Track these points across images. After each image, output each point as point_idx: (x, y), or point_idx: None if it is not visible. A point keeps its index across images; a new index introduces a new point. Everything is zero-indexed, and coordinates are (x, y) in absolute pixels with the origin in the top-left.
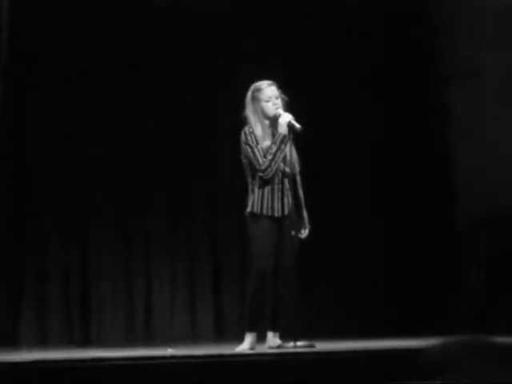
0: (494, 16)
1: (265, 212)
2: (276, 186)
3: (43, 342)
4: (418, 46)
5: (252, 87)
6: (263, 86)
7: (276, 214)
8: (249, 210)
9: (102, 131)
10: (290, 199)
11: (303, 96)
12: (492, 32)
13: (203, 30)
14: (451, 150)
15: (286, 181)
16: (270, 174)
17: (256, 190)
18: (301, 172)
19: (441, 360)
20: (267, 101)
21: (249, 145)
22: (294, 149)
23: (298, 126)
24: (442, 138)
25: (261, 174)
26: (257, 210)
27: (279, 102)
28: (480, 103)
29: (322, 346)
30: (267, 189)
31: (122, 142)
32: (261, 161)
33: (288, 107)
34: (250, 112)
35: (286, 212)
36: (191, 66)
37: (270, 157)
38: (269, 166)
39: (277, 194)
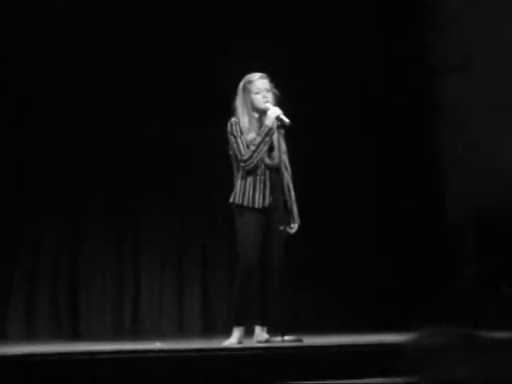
0: (485, 10)
1: (246, 203)
2: (258, 178)
3: (32, 336)
4: (409, 41)
5: (244, 78)
6: (254, 78)
7: (256, 206)
8: (231, 200)
9: (97, 134)
10: (274, 192)
11: (299, 95)
12: (483, 26)
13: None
14: (440, 148)
15: (270, 173)
16: (251, 165)
17: (239, 181)
18: (290, 165)
19: (418, 353)
20: (257, 93)
21: (233, 135)
22: (283, 142)
23: (286, 120)
24: (431, 137)
25: (242, 164)
26: (238, 200)
27: (269, 95)
28: (470, 100)
29: (309, 340)
30: (249, 180)
31: (114, 141)
32: (243, 151)
33: (279, 102)
34: (239, 103)
35: (267, 204)
36: (190, 67)
37: (252, 148)
38: (250, 156)
39: (258, 186)
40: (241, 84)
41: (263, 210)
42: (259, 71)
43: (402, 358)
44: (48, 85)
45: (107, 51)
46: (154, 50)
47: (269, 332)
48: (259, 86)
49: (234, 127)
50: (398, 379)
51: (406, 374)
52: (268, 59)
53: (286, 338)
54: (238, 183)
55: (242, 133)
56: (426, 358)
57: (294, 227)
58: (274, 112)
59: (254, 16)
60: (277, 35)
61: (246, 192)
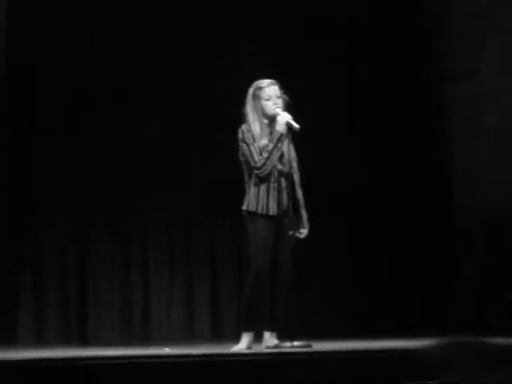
0: (493, 15)
1: (260, 210)
2: (272, 185)
3: (41, 341)
4: (417, 46)
5: (254, 84)
6: (264, 85)
7: (271, 213)
8: (244, 207)
9: (100, 134)
10: (286, 198)
11: (303, 95)
12: (492, 30)
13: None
14: (450, 149)
15: (282, 180)
16: (266, 172)
17: (252, 188)
18: (299, 171)
19: (437, 360)
20: (267, 99)
21: (245, 142)
22: (292, 148)
23: (296, 126)
24: (442, 138)
25: (256, 172)
26: (252, 208)
27: (279, 101)
28: (480, 103)
29: (318, 346)
30: (263, 187)
31: (118, 142)
32: (256, 158)
33: (289, 107)
34: (249, 109)
35: (282, 211)
36: (190, 67)
37: (265, 154)
38: (264, 163)
39: (272, 193)
40: (250, 90)
41: (276, 218)
42: (260, 71)
43: (412, 364)
44: (48, 85)
45: (106, 51)
46: (153, 49)
47: (278, 337)
48: (269, 93)
49: (246, 134)
50: None
51: (416, 381)
52: (269, 60)
53: (295, 343)
54: (252, 190)
55: (254, 140)
56: (443, 365)
57: (304, 232)
58: (284, 117)
59: (254, 15)
60: (277, 36)
61: (260, 199)
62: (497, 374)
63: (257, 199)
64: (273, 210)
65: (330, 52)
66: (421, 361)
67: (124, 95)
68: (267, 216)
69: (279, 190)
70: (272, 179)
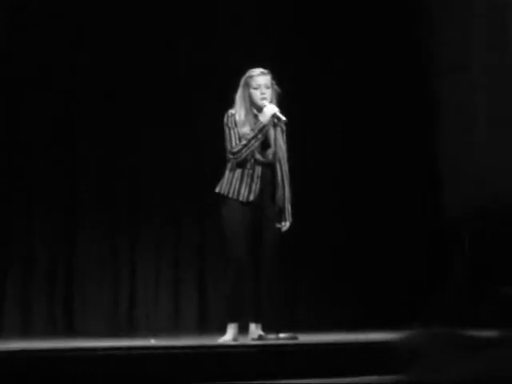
0: (483, 10)
1: (231, 195)
2: (246, 171)
3: (26, 332)
4: (408, 41)
5: (247, 72)
6: (255, 73)
7: (241, 198)
8: (217, 190)
9: (89, 133)
10: (259, 187)
11: (293, 89)
12: (481, 26)
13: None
14: (438, 144)
15: (260, 168)
16: (240, 159)
17: (227, 172)
18: (288, 163)
19: (409, 352)
20: (255, 88)
21: (228, 126)
22: (281, 139)
23: (283, 118)
24: (430, 134)
25: (230, 156)
26: (224, 191)
27: (269, 92)
28: (468, 98)
29: (304, 337)
30: (237, 172)
31: (109, 141)
32: (234, 143)
33: (279, 99)
34: (238, 96)
35: (252, 198)
36: (184, 68)
37: (243, 142)
38: (239, 150)
39: (245, 180)
40: (243, 77)
41: (248, 204)
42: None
43: (391, 356)
44: (47, 84)
45: (105, 50)
46: (152, 49)
47: (263, 329)
48: (259, 82)
49: (230, 119)
50: (390, 377)
51: (396, 373)
52: (270, 57)
53: (281, 335)
54: (226, 174)
55: (236, 125)
56: (414, 357)
57: (286, 225)
58: (271, 110)
59: (254, 14)
60: (277, 33)
61: (233, 184)
62: (470, 366)
63: (230, 184)
64: (243, 195)
65: (322, 50)
66: (396, 353)
67: (113, 94)
68: (237, 201)
69: (252, 178)
70: (248, 166)
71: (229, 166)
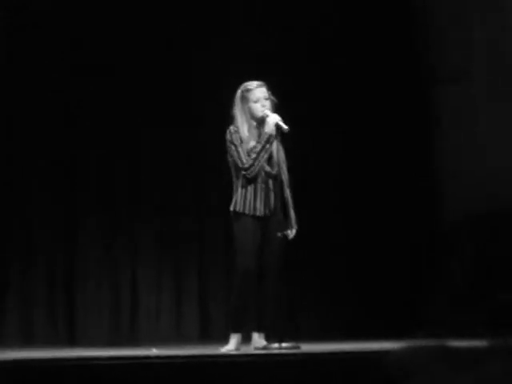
0: (483, 18)
1: (247, 211)
2: (259, 186)
3: (28, 341)
4: (407, 49)
5: (241, 87)
6: (253, 87)
7: (258, 214)
8: (231, 208)
9: (89, 133)
10: (273, 199)
11: (293, 96)
12: (481, 33)
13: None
14: (438, 145)
15: (270, 181)
16: (253, 173)
17: (239, 189)
18: (288, 172)
19: (405, 364)
20: (256, 101)
21: (233, 144)
22: (281, 149)
23: (285, 127)
24: (430, 135)
25: (244, 173)
26: (239, 208)
27: (268, 103)
28: (468, 105)
29: (307, 347)
30: (250, 188)
31: (109, 141)
32: (244, 159)
33: (277, 109)
34: (237, 111)
35: (268, 212)
36: (182, 67)
37: (253, 156)
38: (252, 164)
39: (260, 194)
40: (238, 92)
41: (263, 218)
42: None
43: (384, 369)
44: (45, 84)
45: (105, 50)
46: (152, 48)
47: (266, 339)
48: (258, 95)
49: (234, 136)
50: None
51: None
52: (270, 57)
53: (284, 344)
54: (239, 191)
55: (242, 141)
56: (407, 370)
57: (292, 233)
58: (273, 119)
59: (254, 14)
60: (278, 34)
61: (247, 200)
62: (458, 378)
63: (244, 200)
64: (260, 210)
65: (322, 51)
66: (389, 364)
67: (114, 94)
68: (254, 216)
69: (266, 191)
70: (259, 180)
71: (239, 182)
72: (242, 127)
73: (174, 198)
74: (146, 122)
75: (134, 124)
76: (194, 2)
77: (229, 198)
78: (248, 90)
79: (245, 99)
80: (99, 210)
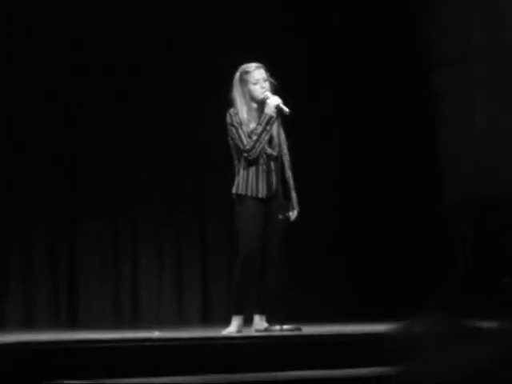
0: (481, 1)
1: (249, 193)
2: (261, 167)
3: (29, 324)
4: (405, 33)
5: (240, 69)
6: (251, 69)
7: (260, 195)
8: (234, 190)
9: (88, 127)
10: (275, 181)
11: (293, 96)
12: (479, 17)
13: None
14: (438, 137)
15: (272, 163)
16: (255, 155)
17: (241, 171)
18: (289, 153)
19: (408, 339)
20: (255, 83)
21: (234, 126)
22: (282, 131)
23: (286, 109)
24: (430, 129)
25: (245, 155)
26: (242, 191)
27: (267, 84)
28: (467, 90)
29: (308, 329)
30: (252, 170)
31: (108, 135)
32: (245, 141)
33: (276, 91)
34: (236, 94)
35: (271, 193)
36: (182, 66)
37: (254, 137)
38: (253, 146)
39: (261, 176)
40: (237, 75)
41: (265, 200)
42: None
43: (389, 346)
44: (45, 84)
45: (105, 50)
46: (152, 48)
47: (268, 321)
48: (256, 77)
49: (234, 118)
50: (393, 368)
51: (396, 363)
52: (269, 56)
53: (285, 326)
54: (241, 173)
55: (241, 123)
56: (412, 346)
57: (294, 214)
58: (274, 101)
59: (254, 14)
60: (277, 33)
61: (250, 182)
62: (469, 355)
63: (246, 182)
64: (262, 192)
65: (322, 46)
66: (393, 342)
67: (114, 94)
68: (257, 198)
69: (268, 173)
70: (261, 162)
71: (241, 164)
72: (242, 109)
73: (175, 184)
74: (145, 122)
75: (134, 124)
76: (193, 2)
77: (229, 180)
78: (247, 72)
79: (244, 81)
80: (99, 210)
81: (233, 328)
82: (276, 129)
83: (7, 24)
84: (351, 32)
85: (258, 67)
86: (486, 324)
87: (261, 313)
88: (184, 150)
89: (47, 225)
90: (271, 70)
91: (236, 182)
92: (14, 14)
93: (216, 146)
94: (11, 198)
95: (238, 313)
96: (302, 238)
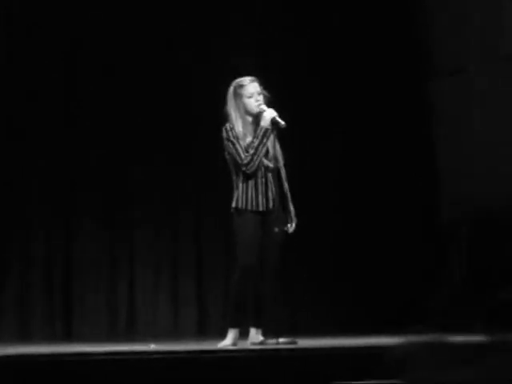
0: (479, 12)
1: (249, 207)
2: (259, 181)
3: (25, 337)
4: (404, 43)
5: (234, 83)
6: (245, 82)
7: (261, 209)
8: (233, 205)
9: (88, 127)
10: (274, 193)
11: (293, 96)
12: (478, 28)
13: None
14: (436, 146)
15: (270, 175)
16: (253, 169)
17: (240, 185)
18: (285, 165)
19: (403, 359)
20: (249, 97)
21: (230, 141)
22: (277, 143)
23: (282, 122)
24: (428, 135)
25: (243, 169)
26: (241, 205)
27: (261, 97)
28: (465, 100)
29: (304, 342)
30: (251, 184)
31: (108, 135)
32: (243, 155)
33: (270, 104)
34: (231, 108)
35: (271, 206)
36: (182, 67)
37: (251, 151)
38: (251, 160)
39: (261, 189)
40: (231, 89)
41: (264, 213)
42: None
43: (386, 362)
44: (45, 84)
45: (105, 49)
46: (152, 49)
47: (264, 334)
48: (251, 90)
49: (230, 133)
50: (388, 382)
51: (392, 379)
52: (269, 58)
53: (281, 340)
54: (240, 188)
55: (238, 138)
56: (407, 364)
57: (292, 227)
58: (270, 114)
59: (254, 15)
60: (277, 34)
61: (249, 196)
62: (457, 373)
63: (246, 196)
64: (262, 205)
65: (321, 49)
66: (388, 359)
67: (110, 89)
68: (256, 212)
69: (267, 186)
70: (259, 175)
71: (239, 179)
72: (237, 124)
73: (172, 195)
74: (145, 122)
75: (134, 124)
76: (193, 2)
77: (226, 194)
78: (241, 86)
79: (238, 95)
80: (98, 206)
81: (228, 341)
82: (272, 141)
83: (7, 24)
84: (351, 32)
85: (252, 80)
86: (475, 340)
87: (257, 326)
88: (184, 150)
89: (43, 238)
90: (271, 70)
91: (235, 196)
92: (14, 14)
93: (216, 146)
94: (11, 198)
95: (234, 326)
96: (302, 238)
